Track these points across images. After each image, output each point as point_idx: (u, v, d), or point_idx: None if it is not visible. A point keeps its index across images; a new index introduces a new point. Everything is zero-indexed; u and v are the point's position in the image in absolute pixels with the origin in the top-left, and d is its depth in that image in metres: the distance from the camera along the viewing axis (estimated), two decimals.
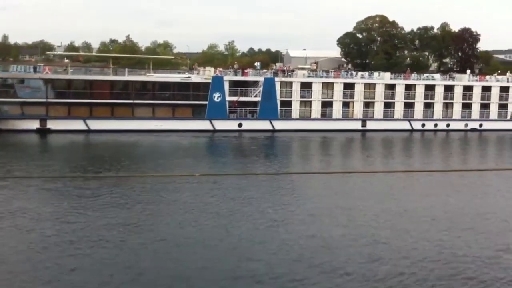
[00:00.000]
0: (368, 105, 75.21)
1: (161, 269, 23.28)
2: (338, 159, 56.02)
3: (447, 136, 74.55)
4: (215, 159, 53.61)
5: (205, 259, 24.40)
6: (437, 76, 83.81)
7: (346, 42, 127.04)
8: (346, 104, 74.29)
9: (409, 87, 76.90)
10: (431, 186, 41.06)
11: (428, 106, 77.49)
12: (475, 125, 78.73)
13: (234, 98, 69.45)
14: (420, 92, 76.92)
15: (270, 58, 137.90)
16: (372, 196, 36.64)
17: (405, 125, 75.98)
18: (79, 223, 28.93)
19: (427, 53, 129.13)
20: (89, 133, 63.25)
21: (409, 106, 76.56)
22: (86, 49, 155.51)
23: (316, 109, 72.86)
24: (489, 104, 79.63)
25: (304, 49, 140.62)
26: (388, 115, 75.78)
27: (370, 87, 75.45)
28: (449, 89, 78.43)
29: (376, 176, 42.84)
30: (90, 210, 31.42)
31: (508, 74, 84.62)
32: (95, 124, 64.00)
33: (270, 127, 70.36)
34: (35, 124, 62.47)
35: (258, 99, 70.32)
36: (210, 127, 68.29)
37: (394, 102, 75.97)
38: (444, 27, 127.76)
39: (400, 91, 76.11)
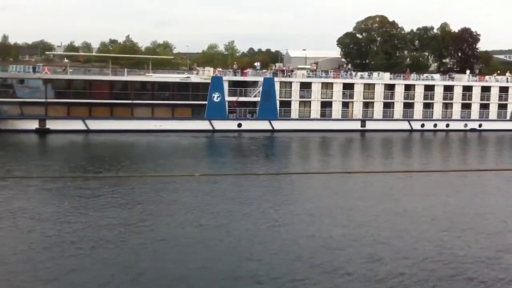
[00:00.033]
0: (367, 105, 75.21)
1: (161, 269, 23.26)
2: (338, 159, 56.01)
3: (447, 136, 74.59)
4: (215, 159, 53.58)
5: (205, 259, 24.38)
6: (437, 76, 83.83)
7: (346, 42, 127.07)
8: (345, 104, 74.29)
9: (408, 87, 76.94)
10: (430, 186, 41.04)
11: (428, 106, 77.53)
12: (475, 125, 78.76)
13: (234, 98, 69.44)
14: (419, 92, 76.96)
15: (270, 58, 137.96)
16: (372, 196, 36.66)
17: (405, 125, 76.00)
18: (79, 223, 28.91)
19: (427, 53, 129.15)
20: (89, 133, 63.22)
21: (408, 106, 76.59)
22: (86, 49, 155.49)
23: (315, 109, 72.88)
24: (488, 104, 79.70)
25: (304, 49, 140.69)
26: (387, 115, 75.79)
27: (369, 87, 75.47)
28: (448, 89, 78.48)
29: (375, 176, 42.88)
30: (90, 210, 31.40)
31: (507, 74, 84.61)
32: (95, 124, 63.97)
33: (269, 127, 70.35)
34: (34, 124, 62.44)
35: (258, 99, 70.33)
36: (210, 127, 68.27)
37: (393, 102, 76.00)
38: (444, 27, 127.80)
39: (399, 91, 76.14)
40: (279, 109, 71.13)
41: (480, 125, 78.99)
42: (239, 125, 69.50)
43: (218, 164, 50.03)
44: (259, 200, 34.70)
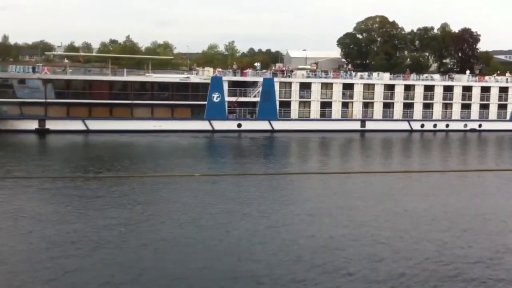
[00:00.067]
0: (367, 105, 75.21)
1: (161, 269, 23.28)
2: (337, 159, 56.02)
3: (447, 137, 74.59)
4: (215, 159, 53.58)
5: (205, 259, 24.41)
6: (436, 76, 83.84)
7: (346, 42, 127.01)
8: (345, 105, 74.30)
9: (408, 88, 76.95)
10: (430, 186, 41.06)
11: (427, 106, 77.54)
12: (475, 125, 78.78)
13: (233, 99, 69.45)
14: (419, 92, 76.98)
15: (270, 59, 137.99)
16: (372, 196, 36.72)
17: (404, 126, 76.01)
18: (79, 223, 28.93)
19: (427, 54, 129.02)
20: (88, 134, 63.22)
21: (408, 106, 76.60)
22: (86, 49, 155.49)
23: (315, 110, 72.89)
24: (488, 104, 79.71)
25: (304, 50, 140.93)
26: (387, 115, 75.81)
27: (369, 87, 75.47)
28: (448, 89, 78.49)
29: (375, 176, 42.98)
30: (90, 210, 31.43)
31: (507, 74, 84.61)
32: (94, 125, 63.99)
33: (269, 128, 70.35)
34: (34, 125, 62.45)
35: (257, 99, 70.34)
36: (209, 128, 68.28)
37: (393, 103, 76.01)
38: (444, 27, 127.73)
39: (399, 91, 76.15)
40: (279, 110, 71.14)
41: (480, 126, 78.99)
42: (239, 125, 69.51)
43: (218, 164, 50.04)
44: (259, 200, 34.73)
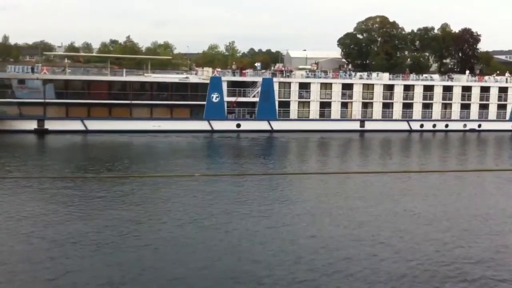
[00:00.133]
0: (366, 105, 75.22)
1: (161, 269, 23.27)
2: (337, 159, 55.95)
3: (446, 137, 74.55)
4: (214, 159, 53.57)
5: (205, 259, 24.41)
6: (436, 76, 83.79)
7: (347, 42, 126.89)
8: (344, 105, 74.32)
9: (407, 88, 76.94)
10: (430, 186, 41.08)
11: (427, 106, 77.53)
12: (474, 125, 78.78)
13: (233, 99, 69.48)
14: (418, 92, 76.98)
15: (271, 59, 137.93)
16: (372, 197, 36.75)
17: (404, 126, 76.01)
18: (79, 223, 28.93)
19: (427, 54, 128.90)
20: (87, 134, 63.28)
21: (407, 106, 76.60)
22: (86, 49, 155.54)
23: (314, 110, 72.90)
24: (487, 104, 79.69)
25: (305, 50, 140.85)
26: (386, 115, 75.82)
27: (368, 87, 75.47)
28: (447, 89, 78.49)
29: (375, 176, 42.98)
30: (91, 210, 31.42)
31: (507, 74, 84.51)
32: (93, 125, 64.07)
33: (268, 128, 70.38)
34: (32, 125, 62.53)
35: (256, 99, 70.39)
36: (208, 128, 68.32)
37: (392, 103, 76.03)
38: (444, 27, 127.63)
39: (398, 91, 76.15)
40: (278, 110, 71.17)
41: (479, 126, 78.97)
42: (238, 125, 69.54)
43: (217, 164, 50.05)
44: (259, 200, 34.74)
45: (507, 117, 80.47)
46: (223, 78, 70.24)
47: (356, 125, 74.39)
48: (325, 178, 43.21)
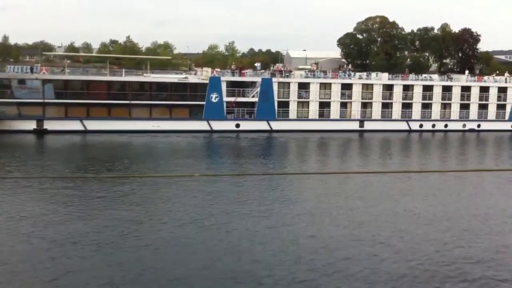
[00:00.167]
0: (366, 105, 75.26)
1: (161, 269, 23.25)
2: (337, 159, 55.93)
3: (445, 137, 74.57)
4: (214, 159, 53.56)
5: (205, 259, 24.39)
6: (435, 76, 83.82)
7: (346, 42, 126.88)
8: (344, 105, 74.35)
9: (407, 88, 76.97)
10: (430, 186, 41.08)
11: (426, 106, 77.58)
12: (473, 125, 78.82)
13: (232, 99, 69.48)
14: (418, 92, 77.01)
15: (271, 59, 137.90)
16: (372, 197, 36.75)
17: (403, 126, 76.06)
18: (79, 223, 28.91)
19: (427, 54, 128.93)
20: (86, 134, 63.27)
21: (407, 106, 76.64)
22: (86, 49, 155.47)
23: (313, 110, 72.91)
24: (487, 104, 79.74)
25: (304, 50, 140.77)
26: (386, 115, 75.84)
27: (368, 87, 75.49)
28: (447, 89, 78.54)
29: (375, 176, 43.00)
30: (91, 210, 31.40)
31: (506, 74, 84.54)
32: (92, 125, 64.06)
33: (267, 128, 70.38)
34: (31, 125, 62.52)
35: (256, 99, 70.40)
36: (208, 128, 68.32)
37: (392, 103, 76.06)
38: (444, 27, 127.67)
39: (398, 91, 76.18)
40: (277, 110, 71.18)
41: (478, 126, 79.02)
42: (237, 125, 69.53)
43: (217, 164, 50.03)
44: (259, 200, 34.73)
45: (507, 117, 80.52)
46: (222, 78, 70.23)
47: (355, 125, 74.42)
48: (325, 178, 43.22)
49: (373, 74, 79.00)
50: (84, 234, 27.16)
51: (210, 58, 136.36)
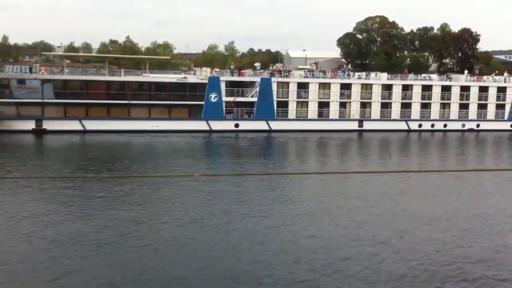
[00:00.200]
0: (365, 105, 75.29)
1: (161, 269, 23.22)
2: (336, 159, 55.91)
3: (444, 137, 74.60)
4: (214, 159, 53.55)
5: (205, 259, 24.37)
6: (434, 76, 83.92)
7: (346, 42, 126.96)
8: (343, 105, 74.36)
9: (406, 88, 77.01)
10: (429, 186, 41.09)
11: (425, 106, 77.62)
12: (472, 125, 78.86)
13: (231, 99, 69.47)
14: (417, 92, 77.04)
15: (270, 59, 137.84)
16: (372, 196, 36.75)
17: (402, 126, 76.11)
18: (80, 223, 28.89)
19: (427, 54, 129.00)
20: (85, 134, 63.23)
21: (406, 106, 76.68)
22: (86, 49, 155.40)
23: (313, 110, 72.92)
24: (486, 104, 79.78)
25: (304, 50, 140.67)
26: (385, 115, 75.85)
27: (367, 87, 75.53)
28: (446, 89, 78.59)
29: (375, 176, 43.01)
30: (91, 210, 31.38)
31: (505, 74, 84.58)
32: (91, 125, 64.04)
33: (266, 128, 70.38)
34: (30, 125, 62.50)
35: (255, 99, 70.40)
36: (207, 128, 68.31)
37: (391, 103, 76.07)
38: (444, 27, 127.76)
39: (397, 91, 76.21)
40: (276, 110, 71.19)
41: (477, 125, 79.08)
42: (236, 125, 69.52)
43: (217, 164, 50.02)
44: (259, 200, 34.71)
45: (506, 117, 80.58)
46: (221, 78, 70.24)
47: (354, 125, 74.42)
48: (324, 178, 43.20)
49: (372, 74, 79.05)
50: (85, 234, 27.14)
51: (209, 58, 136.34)
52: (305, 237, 27.89)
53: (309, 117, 72.87)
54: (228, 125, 69.25)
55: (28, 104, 63.03)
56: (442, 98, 78.04)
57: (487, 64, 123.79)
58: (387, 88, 76.29)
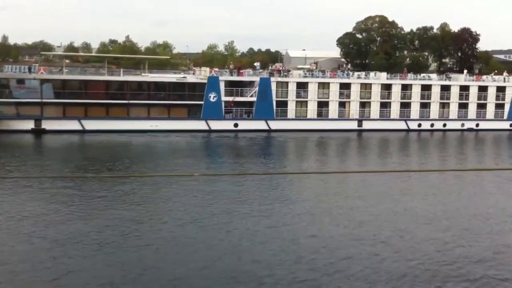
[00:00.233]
0: (364, 105, 75.25)
1: (162, 269, 23.23)
2: (336, 159, 56.01)
3: (444, 136, 74.61)
4: (213, 159, 53.56)
5: (205, 259, 24.37)
6: (434, 76, 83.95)
7: (346, 42, 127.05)
8: (342, 104, 74.31)
9: (405, 87, 76.96)
10: (429, 185, 41.12)
11: (425, 106, 77.58)
12: (472, 125, 78.87)
13: (230, 98, 69.43)
14: (416, 92, 77.01)
15: (270, 58, 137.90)
16: (372, 196, 36.73)
17: (402, 125, 76.08)
18: (80, 223, 28.88)
19: (426, 53, 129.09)
20: (84, 134, 63.17)
21: (405, 106, 76.63)
22: (85, 49, 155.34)
23: (312, 109, 72.88)
24: (485, 104, 79.77)
25: (304, 49, 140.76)
26: (384, 115, 75.82)
27: (366, 87, 75.49)
28: (445, 89, 78.56)
29: (374, 176, 42.92)
30: (91, 210, 31.38)
31: (504, 73, 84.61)
32: (90, 125, 63.97)
33: (266, 127, 70.34)
34: (30, 125, 62.40)
35: (254, 99, 70.36)
36: (206, 127, 68.26)
37: (390, 102, 76.04)
38: (443, 27, 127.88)
39: (396, 91, 76.18)
40: (276, 109, 71.14)
41: (477, 125, 79.07)
42: (236, 125, 69.48)
43: (217, 164, 50.02)
44: (259, 200, 34.71)
45: (505, 117, 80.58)
46: (220, 78, 70.18)
47: (354, 125, 74.39)
48: (324, 177, 43.15)
49: (372, 74, 79.05)
50: (85, 233, 27.13)
51: (209, 58, 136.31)
52: (306, 236, 27.89)
53: (308, 116, 72.83)
54: (227, 124, 69.21)
55: (27, 104, 62.94)
56: (441, 98, 78.00)
57: (487, 63, 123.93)
58: (387, 87, 76.26)
